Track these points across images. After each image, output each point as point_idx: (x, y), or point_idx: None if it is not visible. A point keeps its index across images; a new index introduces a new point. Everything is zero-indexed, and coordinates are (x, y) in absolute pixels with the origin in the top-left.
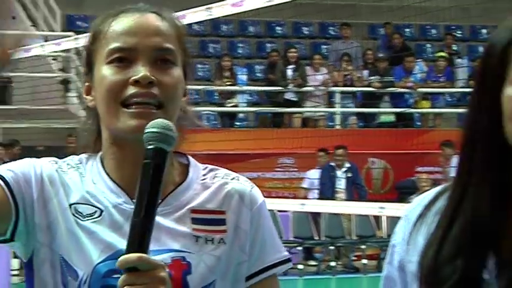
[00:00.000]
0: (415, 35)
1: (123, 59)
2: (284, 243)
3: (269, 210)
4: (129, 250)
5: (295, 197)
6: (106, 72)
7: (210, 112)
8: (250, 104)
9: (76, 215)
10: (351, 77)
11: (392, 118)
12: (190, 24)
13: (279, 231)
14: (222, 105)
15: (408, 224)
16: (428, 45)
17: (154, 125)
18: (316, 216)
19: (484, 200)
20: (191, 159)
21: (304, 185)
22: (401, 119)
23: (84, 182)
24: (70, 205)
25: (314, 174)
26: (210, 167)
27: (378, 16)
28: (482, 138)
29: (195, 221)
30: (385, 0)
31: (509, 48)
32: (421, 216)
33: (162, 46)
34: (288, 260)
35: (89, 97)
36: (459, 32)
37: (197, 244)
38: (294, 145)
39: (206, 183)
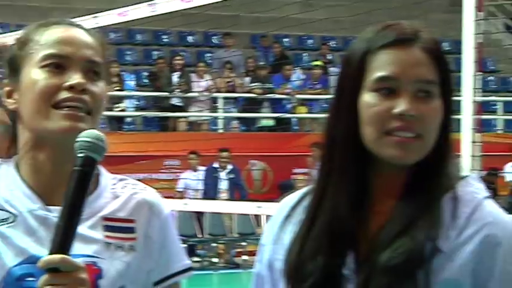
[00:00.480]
0: (293, 44)
1: (58, 65)
2: None
3: None
4: (52, 252)
5: (180, 197)
6: (39, 76)
7: None
8: (138, 108)
9: None
10: (233, 83)
11: (271, 122)
12: None
13: None
14: (110, 109)
15: (275, 224)
16: (305, 55)
17: (88, 135)
18: (199, 215)
19: (342, 200)
20: (101, 168)
21: (179, 186)
22: (280, 124)
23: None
24: None
25: (188, 175)
26: (119, 176)
27: (258, 27)
28: (340, 142)
29: (106, 228)
30: (265, 12)
31: (365, 58)
32: (288, 216)
33: (93, 59)
34: (190, 269)
35: (10, 100)
36: (333, 42)
37: (108, 250)
38: (179, 148)
39: (116, 192)
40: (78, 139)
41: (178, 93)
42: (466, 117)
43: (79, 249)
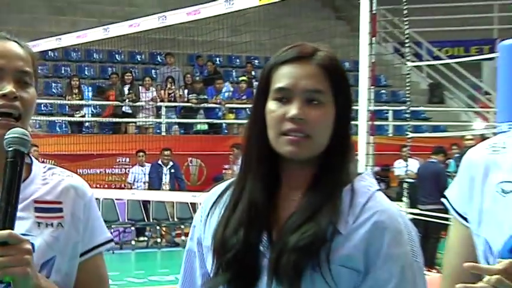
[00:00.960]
0: (223, 63)
1: None
2: (120, 224)
3: (108, 198)
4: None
5: (129, 188)
6: None
7: (62, 121)
8: (95, 114)
9: None
10: (174, 94)
11: (205, 127)
12: (45, 51)
13: (117, 214)
14: (72, 115)
15: (205, 209)
16: (234, 71)
17: (15, 132)
18: (146, 203)
19: (258, 190)
20: (33, 158)
21: (128, 179)
22: (213, 128)
23: None
24: None
25: (136, 170)
26: (49, 165)
27: (194, 48)
28: (255, 142)
29: (37, 209)
30: (200, 36)
31: (270, 72)
32: (215, 203)
33: (23, 69)
34: (111, 240)
35: None
36: (256, 61)
37: (39, 228)
38: (129, 147)
39: (46, 179)
40: (6, 136)
41: (128, 103)
42: (362, 123)
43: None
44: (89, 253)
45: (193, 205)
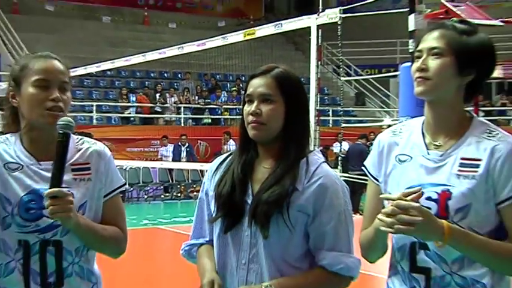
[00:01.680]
0: (221, 78)
1: (43, 86)
2: (153, 184)
3: (146, 167)
4: (51, 186)
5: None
6: (33, 91)
7: (116, 116)
8: (137, 112)
9: (8, 170)
10: (189, 99)
11: (209, 121)
12: (104, 70)
13: (152, 178)
14: (122, 113)
15: (211, 172)
16: (228, 84)
17: (64, 120)
18: (170, 170)
19: (243, 160)
20: (71, 134)
21: (158, 155)
22: (214, 121)
23: (10, 150)
24: (4, 164)
25: (163, 149)
26: (80, 137)
27: (203, 68)
28: (241, 130)
29: (73, 170)
30: (206, 60)
31: (248, 83)
32: (217, 168)
33: (64, 80)
34: (124, 184)
35: (14, 100)
36: (243, 78)
37: (75, 182)
38: (159, 134)
39: (78, 147)
40: (58, 123)
41: (159, 104)
42: (312, 118)
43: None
44: (109, 195)
45: (202, 172)
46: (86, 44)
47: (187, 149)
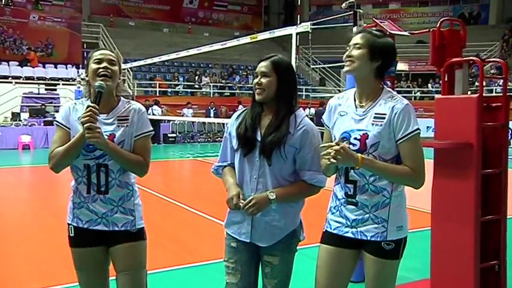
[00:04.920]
0: (236, 68)
1: (98, 62)
2: (193, 132)
3: (191, 121)
4: (87, 121)
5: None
6: (93, 66)
7: (172, 91)
8: (186, 87)
9: (79, 121)
10: (216, 80)
11: (228, 94)
12: (164, 61)
13: (192, 128)
14: (174, 88)
15: (233, 119)
16: (240, 71)
17: (98, 83)
18: (204, 123)
19: (253, 114)
20: (122, 98)
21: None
22: (232, 94)
23: (83, 108)
24: (77, 118)
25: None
26: (127, 100)
27: (226, 61)
28: (253, 96)
29: (118, 119)
30: (228, 56)
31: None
32: (237, 117)
33: (111, 58)
34: (151, 131)
35: (87, 77)
36: (250, 67)
37: (119, 128)
38: (199, 102)
39: (124, 106)
40: (95, 84)
41: (197, 83)
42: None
43: (107, 128)
44: (137, 137)
45: (223, 124)
46: (153, 45)
47: (214, 111)
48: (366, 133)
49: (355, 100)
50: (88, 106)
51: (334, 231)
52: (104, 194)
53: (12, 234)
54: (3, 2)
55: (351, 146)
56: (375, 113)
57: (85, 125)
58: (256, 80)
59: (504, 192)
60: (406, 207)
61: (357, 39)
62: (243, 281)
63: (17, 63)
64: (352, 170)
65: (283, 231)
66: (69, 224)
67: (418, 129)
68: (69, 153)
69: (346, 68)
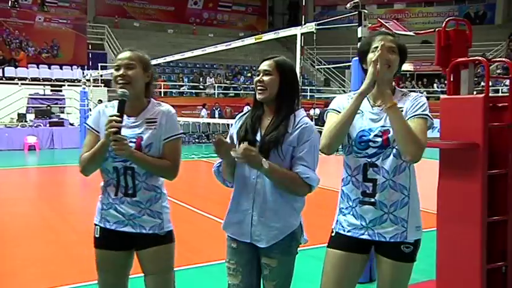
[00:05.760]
0: (240, 68)
1: (116, 68)
2: (198, 133)
3: (195, 122)
4: (115, 133)
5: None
6: (113, 72)
7: (176, 91)
8: (190, 88)
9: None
10: (220, 80)
11: (233, 94)
12: (169, 61)
13: (197, 129)
14: (179, 89)
15: (236, 122)
16: (244, 71)
17: (120, 92)
18: (208, 124)
19: (254, 115)
20: (152, 100)
21: (200, 114)
22: (236, 95)
23: (113, 111)
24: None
25: (203, 111)
26: (158, 102)
27: (230, 61)
28: (254, 97)
29: (146, 122)
30: (232, 56)
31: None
32: (239, 119)
33: (129, 62)
34: (181, 133)
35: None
36: (254, 67)
37: (147, 130)
38: (202, 102)
39: (154, 107)
40: (118, 92)
41: (202, 84)
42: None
43: (135, 131)
44: (166, 140)
45: (228, 125)
46: (158, 46)
47: (219, 112)
48: (387, 129)
49: (369, 101)
50: (110, 116)
51: (348, 234)
52: (131, 196)
53: (18, 235)
54: (9, 4)
55: (371, 144)
56: None
57: (110, 138)
58: (257, 78)
59: (510, 192)
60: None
61: (391, 42)
62: (244, 282)
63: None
64: (371, 168)
65: (282, 232)
66: (95, 225)
67: (429, 116)
68: (94, 159)
69: (381, 73)
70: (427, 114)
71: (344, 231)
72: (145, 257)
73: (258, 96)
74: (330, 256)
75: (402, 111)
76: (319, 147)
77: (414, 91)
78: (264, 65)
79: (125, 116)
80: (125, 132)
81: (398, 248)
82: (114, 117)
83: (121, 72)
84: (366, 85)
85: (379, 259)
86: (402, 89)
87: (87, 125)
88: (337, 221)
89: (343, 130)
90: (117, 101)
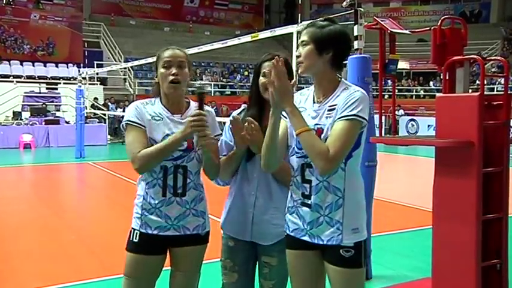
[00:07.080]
0: (237, 66)
1: (167, 66)
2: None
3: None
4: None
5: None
6: (162, 70)
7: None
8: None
9: (153, 120)
10: (217, 78)
11: (229, 92)
12: None
13: None
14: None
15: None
16: (241, 69)
17: (197, 85)
18: None
19: (254, 110)
20: (191, 101)
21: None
22: (233, 93)
23: (154, 108)
24: (151, 117)
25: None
26: (195, 104)
27: (226, 59)
28: (254, 93)
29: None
30: (228, 54)
31: (260, 65)
32: (239, 113)
33: (180, 60)
34: (220, 134)
35: (156, 78)
36: (250, 66)
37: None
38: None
39: (195, 108)
40: (195, 86)
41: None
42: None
43: (180, 128)
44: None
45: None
46: (154, 44)
47: (215, 110)
48: (321, 128)
49: (313, 97)
50: (196, 113)
51: (292, 234)
52: (181, 196)
53: (14, 233)
54: (4, 1)
55: None
56: (329, 106)
57: (199, 133)
58: (263, 81)
59: (505, 190)
60: (364, 209)
61: (302, 36)
62: (240, 281)
63: (18, 62)
64: (307, 169)
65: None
66: (133, 229)
67: (359, 116)
68: (162, 155)
69: (299, 71)
70: (355, 115)
71: (289, 230)
72: (180, 254)
73: (265, 93)
74: (289, 257)
75: (334, 109)
76: None
77: (410, 90)
78: (266, 66)
79: (168, 114)
80: (175, 129)
81: (337, 252)
82: (200, 112)
83: (174, 70)
84: (273, 106)
85: (326, 266)
86: (347, 82)
87: (131, 121)
88: (285, 220)
89: (272, 148)
90: (197, 95)
